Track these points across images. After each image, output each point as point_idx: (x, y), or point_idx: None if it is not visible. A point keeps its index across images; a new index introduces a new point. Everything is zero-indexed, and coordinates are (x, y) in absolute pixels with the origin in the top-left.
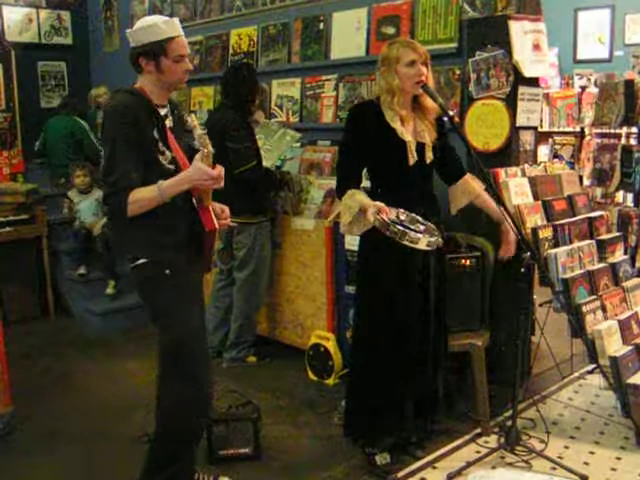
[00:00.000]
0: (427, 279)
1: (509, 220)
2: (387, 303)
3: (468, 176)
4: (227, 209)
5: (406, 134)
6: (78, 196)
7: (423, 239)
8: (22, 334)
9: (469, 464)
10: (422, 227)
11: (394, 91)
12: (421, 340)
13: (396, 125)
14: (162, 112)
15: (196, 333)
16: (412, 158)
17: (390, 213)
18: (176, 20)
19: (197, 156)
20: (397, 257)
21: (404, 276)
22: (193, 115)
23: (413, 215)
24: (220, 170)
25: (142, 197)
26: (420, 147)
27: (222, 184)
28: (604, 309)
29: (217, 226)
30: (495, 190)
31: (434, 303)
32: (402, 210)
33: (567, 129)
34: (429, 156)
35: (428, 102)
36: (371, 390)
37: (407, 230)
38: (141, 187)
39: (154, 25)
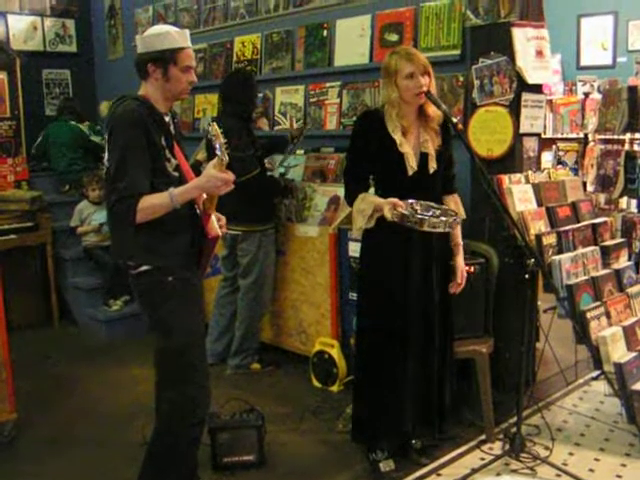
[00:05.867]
0: (430, 283)
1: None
2: (388, 307)
3: (453, 197)
4: (223, 218)
5: (405, 145)
6: (91, 207)
7: (441, 223)
8: (26, 341)
9: (473, 471)
10: (438, 212)
11: (394, 103)
12: (425, 346)
13: (397, 136)
14: (166, 119)
15: (197, 340)
16: (410, 169)
17: (404, 206)
18: (187, 32)
19: (210, 163)
20: (397, 261)
21: (405, 280)
22: (215, 124)
23: (426, 202)
24: (231, 175)
25: (153, 204)
26: (423, 157)
27: (231, 187)
28: (608, 315)
29: (220, 234)
30: (498, 197)
31: (439, 309)
32: (414, 201)
33: (571, 135)
34: (432, 166)
35: (431, 110)
36: (374, 394)
37: (425, 217)
38: (150, 194)
39: (168, 33)
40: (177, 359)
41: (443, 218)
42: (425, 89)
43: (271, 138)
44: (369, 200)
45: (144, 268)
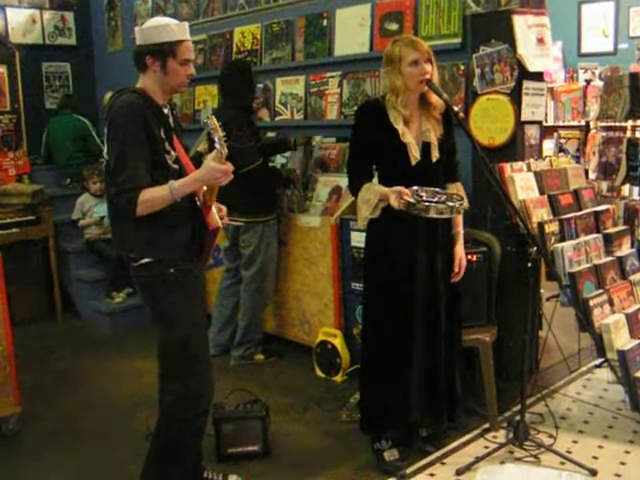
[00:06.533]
0: (435, 271)
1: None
2: (394, 296)
3: (456, 186)
4: (224, 208)
5: (408, 135)
6: (92, 200)
7: (447, 208)
8: (30, 334)
9: (478, 459)
10: (444, 197)
11: (398, 91)
12: (431, 334)
13: (399, 126)
14: (165, 111)
15: (199, 331)
16: (413, 159)
17: (410, 194)
18: (186, 25)
19: (210, 156)
20: (403, 250)
21: (411, 268)
22: (213, 117)
23: (431, 188)
24: (230, 165)
25: (153, 197)
26: (426, 146)
27: (231, 177)
28: (611, 303)
29: (220, 225)
30: (500, 185)
31: (446, 298)
32: (419, 187)
33: (572, 123)
34: (435, 155)
35: (433, 98)
36: (380, 384)
37: (431, 204)
38: (150, 187)
39: (167, 26)
40: (180, 351)
41: (450, 203)
42: (429, 76)
43: (275, 141)
44: (374, 190)
45: (145, 260)
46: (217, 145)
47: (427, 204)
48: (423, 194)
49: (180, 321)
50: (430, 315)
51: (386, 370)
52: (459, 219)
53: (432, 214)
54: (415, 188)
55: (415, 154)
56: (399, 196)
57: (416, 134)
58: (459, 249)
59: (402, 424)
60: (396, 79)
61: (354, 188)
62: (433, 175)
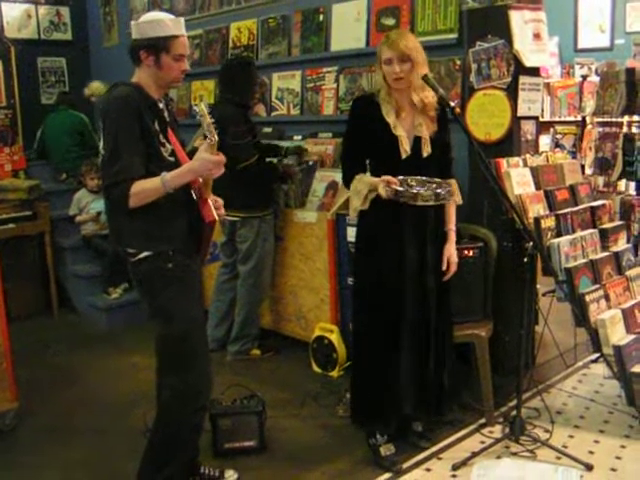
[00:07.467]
0: (425, 264)
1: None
2: (383, 289)
3: (451, 182)
4: (220, 200)
5: (399, 128)
6: (89, 195)
7: (432, 195)
8: (26, 330)
9: (474, 454)
10: (434, 185)
11: (380, 85)
12: (421, 328)
13: (390, 119)
14: (159, 105)
15: (198, 326)
16: (404, 152)
17: (397, 183)
18: (182, 20)
19: (202, 147)
20: (392, 243)
21: (399, 261)
22: (202, 104)
23: (420, 178)
24: (222, 157)
25: (145, 188)
26: (417, 141)
27: (223, 169)
28: (607, 298)
29: (217, 218)
30: (496, 181)
31: (436, 294)
32: (407, 177)
33: (568, 118)
34: (426, 150)
35: (416, 98)
36: (370, 377)
37: (419, 192)
38: (143, 179)
39: (161, 21)
40: (178, 346)
41: (438, 191)
42: (402, 75)
43: (270, 145)
44: (365, 180)
45: (144, 255)
46: (207, 133)
47: (414, 192)
48: (413, 183)
49: (178, 316)
50: (420, 309)
51: (376, 364)
52: (451, 216)
53: (419, 202)
54: (403, 177)
55: (406, 147)
56: (387, 184)
57: (408, 128)
58: (448, 247)
59: (393, 417)
60: (377, 74)
61: (347, 180)
62: (424, 170)
